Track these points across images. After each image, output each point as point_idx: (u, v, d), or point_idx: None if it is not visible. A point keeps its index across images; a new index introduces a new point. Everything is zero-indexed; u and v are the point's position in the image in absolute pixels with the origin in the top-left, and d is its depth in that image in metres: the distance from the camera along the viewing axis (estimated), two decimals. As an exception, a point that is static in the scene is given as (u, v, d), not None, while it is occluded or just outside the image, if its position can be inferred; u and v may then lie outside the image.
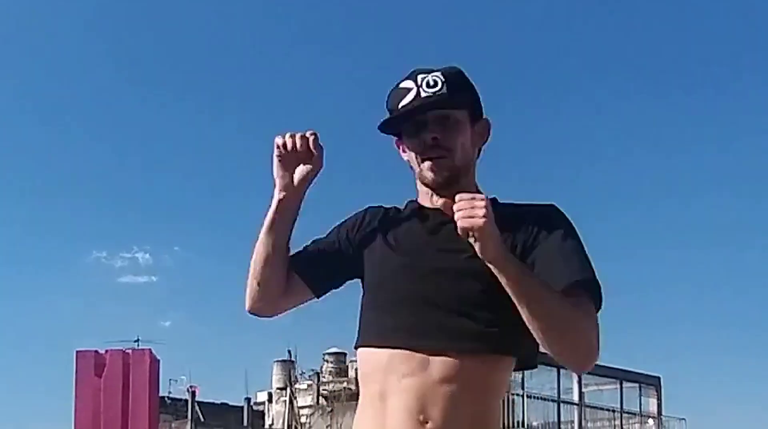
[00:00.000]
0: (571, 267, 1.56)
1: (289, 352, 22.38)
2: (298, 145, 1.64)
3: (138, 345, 10.86)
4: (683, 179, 31.02)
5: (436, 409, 1.56)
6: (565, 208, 1.69)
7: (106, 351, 5.64)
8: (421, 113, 1.64)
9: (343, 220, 1.82)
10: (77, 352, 5.55)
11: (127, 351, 5.78)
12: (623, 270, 23.38)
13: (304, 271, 1.75)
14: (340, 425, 6.83)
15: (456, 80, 1.66)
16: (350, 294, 1.84)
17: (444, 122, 1.64)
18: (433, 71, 1.66)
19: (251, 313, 1.80)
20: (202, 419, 22.27)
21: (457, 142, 1.64)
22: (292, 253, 1.76)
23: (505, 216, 1.56)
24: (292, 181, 1.68)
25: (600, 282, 1.58)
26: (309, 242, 1.81)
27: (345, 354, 28.46)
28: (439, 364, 1.57)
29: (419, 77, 1.65)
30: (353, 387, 18.86)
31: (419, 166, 1.67)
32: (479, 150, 1.73)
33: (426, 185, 1.68)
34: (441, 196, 1.68)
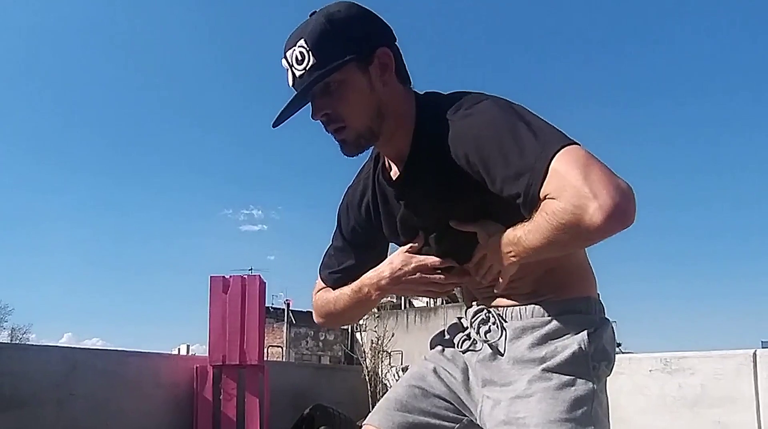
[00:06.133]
0: (511, 176, 1.25)
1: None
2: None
3: (251, 272, 11.38)
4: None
5: None
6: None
7: (230, 276, 6.48)
8: (302, 101, 1.39)
9: (337, 212, 1.67)
10: (211, 277, 6.43)
11: (244, 276, 6.52)
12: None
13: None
14: (386, 326, 8.99)
15: (322, 38, 1.36)
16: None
17: (327, 91, 1.39)
18: (297, 40, 1.38)
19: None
20: (294, 322, 27.47)
21: (349, 107, 1.39)
22: (330, 272, 1.66)
23: (439, 151, 1.35)
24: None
25: (561, 137, 1.24)
26: (331, 252, 1.67)
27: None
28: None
29: (288, 54, 1.39)
30: (394, 300, 24.13)
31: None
32: (394, 77, 1.43)
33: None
34: (381, 150, 1.52)
